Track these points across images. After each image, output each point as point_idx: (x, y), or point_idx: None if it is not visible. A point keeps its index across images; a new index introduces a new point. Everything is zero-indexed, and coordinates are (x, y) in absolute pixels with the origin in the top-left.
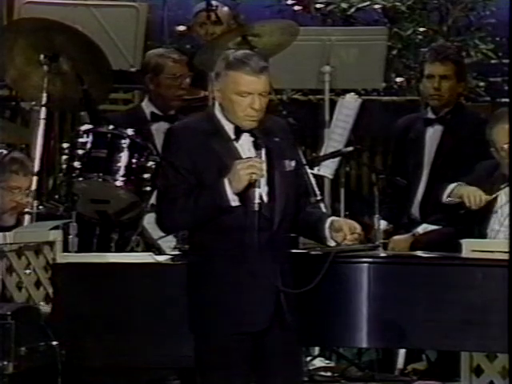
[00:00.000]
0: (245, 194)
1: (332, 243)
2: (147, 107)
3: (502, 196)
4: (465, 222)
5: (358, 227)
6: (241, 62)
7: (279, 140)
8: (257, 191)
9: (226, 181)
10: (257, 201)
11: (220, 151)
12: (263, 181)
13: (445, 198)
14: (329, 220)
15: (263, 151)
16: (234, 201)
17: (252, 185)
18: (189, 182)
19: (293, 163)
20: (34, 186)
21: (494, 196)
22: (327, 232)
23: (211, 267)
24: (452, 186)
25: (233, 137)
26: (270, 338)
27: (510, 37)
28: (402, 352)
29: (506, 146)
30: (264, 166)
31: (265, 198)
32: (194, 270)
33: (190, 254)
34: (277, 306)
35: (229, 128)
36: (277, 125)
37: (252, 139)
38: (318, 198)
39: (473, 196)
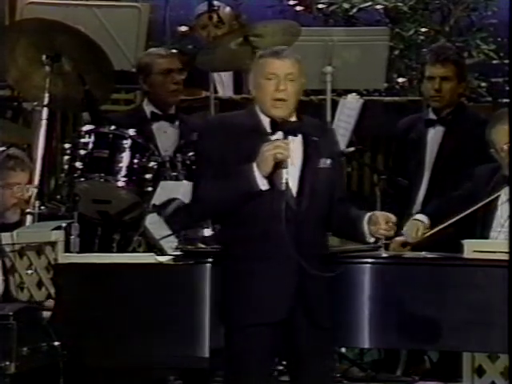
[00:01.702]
0: (273, 178)
1: (371, 239)
2: (147, 107)
3: (502, 196)
4: (467, 223)
5: (393, 218)
6: (268, 51)
7: (317, 139)
8: (284, 172)
9: (254, 165)
10: (284, 180)
11: (254, 145)
12: (293, 175)
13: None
14: (367, 215)
15: (294, 138)
16: (264, 185)
17: (279, 166)
18: (221, 175)
19: (328, 161)
20: (35, 183)
21: (433, 231)
22: (366, 228)
23: (239, 256)
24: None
25: (269, 131)
26: (301, 335)
27: (509, 37)
28: (404, 352)
29: (505, 147)
30: (291, 148)
31: (293, 192)
32: (224, 260)
33: (226, 243)
34: (302, 301)
35: (265, 122)
36: (317, 126)
37: (286, 133)
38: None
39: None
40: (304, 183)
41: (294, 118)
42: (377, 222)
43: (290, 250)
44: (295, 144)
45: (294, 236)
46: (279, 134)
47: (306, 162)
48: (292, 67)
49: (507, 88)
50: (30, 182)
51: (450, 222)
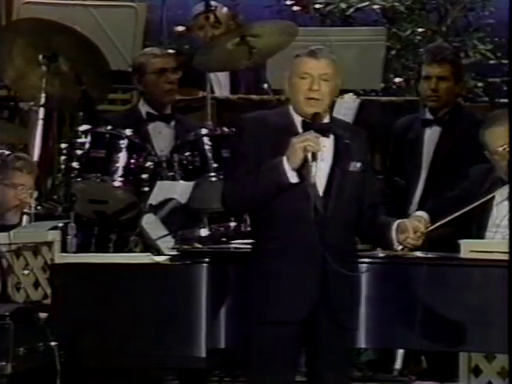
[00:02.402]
0: (302, 171)
1: (399, 247)
2: (143, 107)
3: (497, 197)
4: (463, 223)
5: (421, 227)
6: (305, 51)
7: (349, 142)
8: (313, 165)
9: (284, 158)
10: (313, 174)
11: (285, 145)
12: (321, 176)
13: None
14: (396, 223)
15: (325, 138)
16: (293, 177)
17: (309, 160)
18: (252, 169)
19: (358, 165)
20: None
21: (435, 226)
22: (394, 235)
23: (265, 254)
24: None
25: (300, 131)
26: (322, 334)
27: (509, 37)
28: (400, 352)
29: (500, 149)
30: (322, 142)
31: (320, 192)
32: (253, 257)
33: (253, 240)
34: (325, 301)
35: (298, 122)
36: (350, 129)
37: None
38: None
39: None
40: (332, 184)
41: (327, 119)
42: (405, 231)
43: (315, 249)
44: (326, 144)
45: (319, 236)
46: (310, 131)
47: (335, 164)
48: (327, 67)
49: (505, 88)
50: (33, 187)
51: (444, 220)
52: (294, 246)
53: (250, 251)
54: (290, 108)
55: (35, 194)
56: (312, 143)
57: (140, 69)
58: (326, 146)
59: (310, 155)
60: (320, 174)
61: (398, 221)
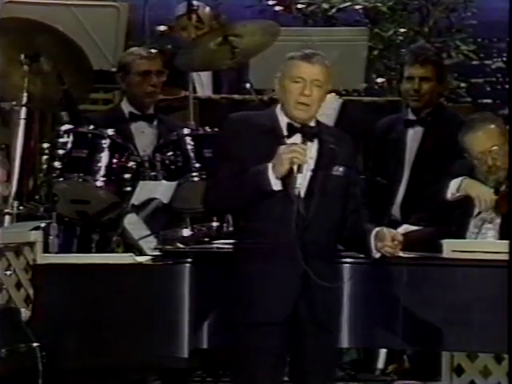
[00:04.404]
0: (287, 180)
1: (377, 255)
2: (126, 107)
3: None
4: (446, 224)
5: (399, 236)
6: (299, 53)
7: (334, 146)
8: (299, 177)
9: (269, 165)
10: (298, 185)
11: (270, 146)
12: (304, 178)
13: (450, 195)
14: (375, 230)
15: (309, 143)
16: (276, 185)
17: (294, 170)
18: (236, 169)
19: (341, 169)
20: (14, 183)
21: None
22: (372, 242)
23: (247, 255)
24: (457, 181)
25: (285, 133)
26: (304, 336)
27: (510, 37)
28: (383, 352)
29: (480, 155)
30: (308, 154)
31: (302, 194)
32: (234, 257)
33: (235, 241)
34: (307, 303)
35: (284, 124)
36: (335, 134)
37: (302, 136)
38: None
39: (484, 200)
40: (314, 187)
41: (313, 123)
42: (383, 239)
43: (296, 254)
44: (310, 149)
45: (301, 239)
46: (298, 137)
47: (318, 167)
48: (320, 73)
49: (488, 88)
50: (8, 180)
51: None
52: (274, 247)
53: (231, 251)
54: (277, 109)
55: (12, 188)
56: (299, 155)
57: (125, 68)
58: (310, 151)
59: (295, 167)
60: (306, 174)
61: (378, 228)
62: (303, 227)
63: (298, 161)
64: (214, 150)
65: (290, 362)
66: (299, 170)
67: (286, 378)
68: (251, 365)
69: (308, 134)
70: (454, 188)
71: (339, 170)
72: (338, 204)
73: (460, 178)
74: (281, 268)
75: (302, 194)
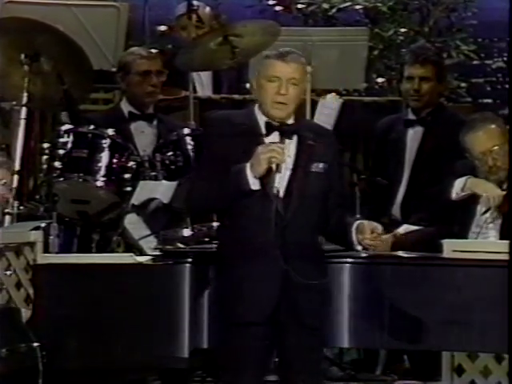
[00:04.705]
0: (266, 179)
1: (359, 247)
2: (125, 107)
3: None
4: (448, 223)
5: (379, 228)
6: (274, 52)
7: (313, 143)
8: (277, 176)
9: (248, 165)
10: (276, 185)
11: (249, 145)
12: (283, 177)
13: (455, 194)
14: (356, 223)
15: (287, 141)
16: (254, 184)
17: (273, 170)
18: (216, 169)
19: (321, 165)
20: (14, 185)
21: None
22: (354, 236)
23: (231, 255)
24: (462, 180)
25: (264, 132)
26: (288, 335)
27: (510, 36)
28: (383, 352)
29: (481, 155)
30: (286, 152)
31: (281, 194)
32: (217, 258)
33: (219, 242)
34: (289, 302)
35: (262, 123)
36: (316, 130)
37: (281, 134)
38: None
39: (492, 196)
40: (292, 187)
41: (291, 120)
42: (363, 231)
43: (275, 250)
44: (289, 147)
45: (280, 238)
46: (276, 136)
47: (297, 165)
48: (295, 71)
49: (488, 88)
50: (12, 183)
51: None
52: (254, 247)
53: (215, 251)
54: (256, 108)
55: (13, 192)
56: (277, 155)
57: (125, 67)
58: (288, 149)
59: (274, 166)
60: (282, 174)
61: (358, 221)
62: (283, 226)
63: (276, 160)
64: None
65: (278, 362)
66: (277, 169)
67: (275, 378)
68: (234, 364)
69: (286, 133)
70: (458, 187)
71: (319, 166)
72: (318, 201)
73: (465, 178)
74: (261, 267)
75: (281, 193)
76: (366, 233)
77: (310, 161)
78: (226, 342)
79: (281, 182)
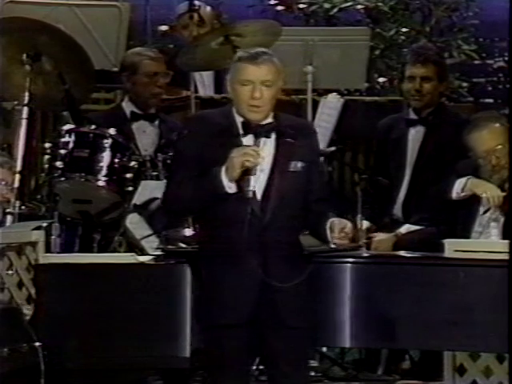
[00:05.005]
0: (242, 182)
1: (332, 245)
2: (127, 106)
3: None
4: (450, 223)
5: (347, 226)
6: (246, 54)
7: (291, 140)
8: (252, 179)
9: (222, 168)
10: (251, 188)
11: (227, 145)
12: (260, 179)
13: (455, 194)
14: (329, 221)
15: (262, 141)
16: (230, 188)
17: (248, 172)
18: (193, 170)
19: (299, 164)
20: (16, 185)
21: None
22: (328, 233)
23: (208, 258)
24: (462, 180)
25: (241, 132)
26: (270, 335)
27: (510, 36)
28: (384, 352)
29: (484, 154)
30: (261, 154)
31: (258, 196)
32: (197, 261)
33: (198, 244)
34: (268, 303)
35: (239, 123)
36: (296, 126)
37: (257, 135)
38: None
39: (492, 196)
40: (270, 188)
41: (269, 119)
42: (333, 229)
43: (249, 257)
44: (266, 146)
45: (258, 240)
46: (250, 138)
47: (275, 165)
48: (268, 73)
49: (489, 88)
50: (13, 183)
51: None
52: (232, 249)
53: (196, 253)
54: (233, 108)
55: (16, 191)
56: (250, 158)
57: (131, 68)
58: (266, 148)
59: (249, 169)
60: (260, 177)
61: (332, 219)
62: (261, 228)
63: (250, 164)
64: (174, 151)
65: (266, 363)
66: (252, 172)
67: (264, 378)
68: (216, 366)
69: (261, 134)
70: (459, 188)
71: (297, 165)
72: (299, 200)
73: (465, 178)
74: (237, 271)
75: (259, 194)
76: (335, 231)
77: (288, 160)
78: (207, 344)
79: (258, 184)
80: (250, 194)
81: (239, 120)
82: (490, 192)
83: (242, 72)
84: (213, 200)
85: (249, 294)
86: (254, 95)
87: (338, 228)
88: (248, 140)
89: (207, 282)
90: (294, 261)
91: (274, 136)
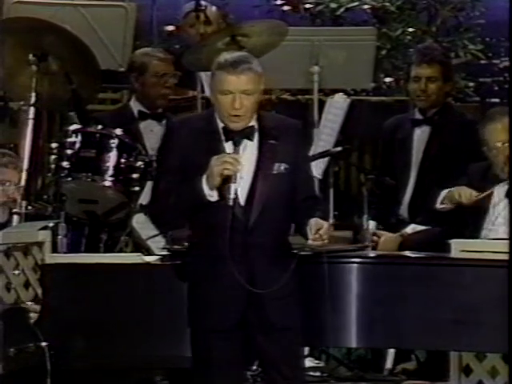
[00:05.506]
0: (223, 190)
1: (311, 244)
2: (135, 106)
3: (495, 196)
4: (457, 223)
5: (324, 229)
6: (226, 63)
7: (274, 142)
8: (232, 186)
9: (204, 177)
10: (232, 196)
11: (209, 151)
12: (244, 183)
13: (438, 205)
14: (310, 220)
15: (241, 148)
16: (212, 196)
17: (229, 180)
18: (177, 176)
19: (283, 166)
20: (22, 184)
21: (485, 194)
22: (308, 233)
23: (194, 264)
24: (444, 192)
25: (223, 137)
26: (259, 338)
27: (510, 36)
28: (391, 352)
29: (499, 144)
30: (241, 161)
31: (241, 201)
32: (185, 267)
33: (185, 252)
34: (255, 306)
35: (221, 128)
36: (281, 125)
37: (234, 144)
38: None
39: (463, 192)
40: (254, 192)
41: (252, 123)
42: (311, 229)
43: (233, 262)
44: (249, 150)
45: (243, 245)
46: (229, 145)
47: (258, 169)
48: (248, 83)
49: (495, 88)
50: (19, 182)
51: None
52: (217, 255)
53: (187, 256)
54: (215, 113)
55: (21, 191)
56: (230, 166)
57: (140, 68)
58: (248, 152)
59: (229, 177)
60: (242, 182)
61: (313, 218)
62: (246, 232)
63: (229, 172)
64: (157, 156)
65: (261, 366)
66: (232, 179)
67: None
68: (205, 370)
69: (239, 141)
70: (440, 200)
71: (280, 167)
72: (284, 202)
73: (446, 190)
74: (223, 276)
75: (242, 200)
76: (311, 232)
77: (272, 162)
78: (194, 348)
79: (241, 189)
80: (231, 202)
81: (221, 125)
82: (462, 192)
83: (221, 82)
84: (196, 209)
85: (234, 300)
86: (235, 106)
87: (314, 229)
88: (230, 145)
89: (193, 288)
90: (281, 262)
91: (256, 138)
